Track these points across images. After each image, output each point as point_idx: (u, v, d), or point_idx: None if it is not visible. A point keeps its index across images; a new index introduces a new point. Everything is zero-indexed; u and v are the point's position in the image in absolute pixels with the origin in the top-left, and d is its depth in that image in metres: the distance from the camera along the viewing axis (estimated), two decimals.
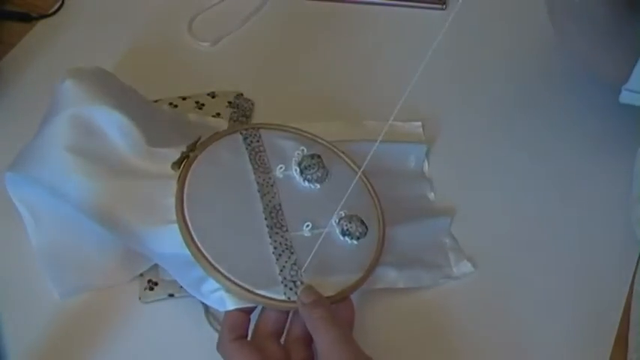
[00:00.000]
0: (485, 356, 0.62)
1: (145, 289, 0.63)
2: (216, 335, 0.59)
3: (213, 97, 0.75)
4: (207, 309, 0.62)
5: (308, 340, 0.56)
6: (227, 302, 0.57)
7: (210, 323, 0.62)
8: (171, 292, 0.63)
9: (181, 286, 0.63)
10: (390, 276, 0.63)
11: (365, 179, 0.66)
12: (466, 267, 0.65)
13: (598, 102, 0.74)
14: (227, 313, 0.57)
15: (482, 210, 0.69)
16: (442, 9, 0.86)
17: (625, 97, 0.64)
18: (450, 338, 0.62)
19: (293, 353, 0.56)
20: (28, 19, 0.82)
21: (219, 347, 0.56)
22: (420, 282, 0.64)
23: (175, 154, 0.62)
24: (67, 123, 0.61)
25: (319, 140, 0.68)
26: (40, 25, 0.82)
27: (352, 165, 0.67)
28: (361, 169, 0.61)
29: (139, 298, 0.63)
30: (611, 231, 0.68)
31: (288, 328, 0.58)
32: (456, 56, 0.80)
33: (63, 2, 0.83)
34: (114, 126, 0.61)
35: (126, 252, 0.64)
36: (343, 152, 0.67)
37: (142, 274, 0.64)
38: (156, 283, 0.63)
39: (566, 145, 0.74)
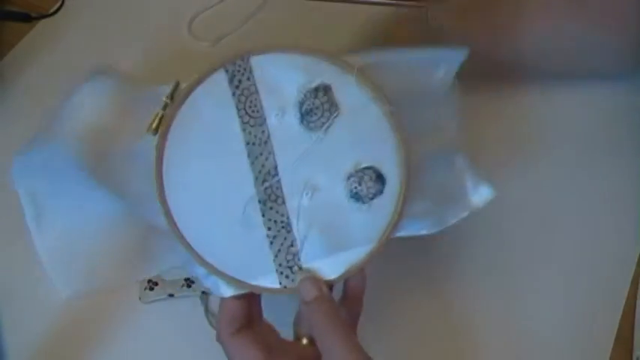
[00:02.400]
0: (485, 356, 0.62)
1: (145, 289, 0.63)
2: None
3: None
4: (207, 309, 0.62)
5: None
6: (222, 288, 0.53)
7: (210, 323, 0.62)
8: (171, 292, 0.63)
9: (182, 286, 0.63)
10: (411, 225, 0.55)
11: (387, 109, 0.54)
12: (486, 192, 0.57)
13: (601, 101, 0.74)
14: (223, 303, 0.53)
15: (484, 209, 0.69)
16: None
17: None
18: (450, 338, 0.62)
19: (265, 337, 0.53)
20: (28, 19, 0.81)
21: (219, 339, 0.54)
22: (444, 223, 0.56)
23: (161, 96, 0.55)
24: (67, 111, 0.59)
25: (331, 60, 0.55)
26: (40, 25, 0.82)
27: (373, 92, 0.54)
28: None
29: (139, 298, 0.63)
30: (611, 231, 0.68)
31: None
32: None
33: (63, 2, 0.83)
34: (96, 91, 0.57)
35: (133, 253, 0.63)
36: (363, 72, 0.55)
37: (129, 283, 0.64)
38: (156, 283, 0.63)
39: (568, 145, 0.74)
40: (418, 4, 0.84)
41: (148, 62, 0.79)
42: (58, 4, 0.83)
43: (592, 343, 0.62)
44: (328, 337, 0.51)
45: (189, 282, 0.63)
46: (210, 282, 0.54)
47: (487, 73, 0.68)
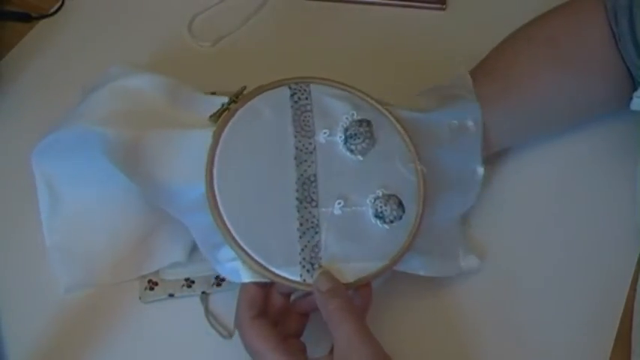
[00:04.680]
0: (485, 356, 0.62)
1: (145, 289, 0.63)
2: (216, 335, 0.59)
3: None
4: (207, 309, 0.62)
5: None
6: (242, 274, 0.56)
7: (210, 323, 0.62)
8: (171, 292, 0.63)
9: (182, 286, 0.63)
10: (413, 262, 0.60)
11: (414, 153, 0.62)
12: (473, 262, 0.64)
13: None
14: (243, 287, 0.56)
15: (486, 211, 0.69)
16: (442, 9, 0.86)
17: (636, 104, 0.64)
18: (452, 335, 0.62)
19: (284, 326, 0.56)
20: (28, 19, 0.81)
21: (237, 324, 0.56)
22: (439, 272, 0.62)
23: (217, 103, 0.60)
24: (108, 93, 0.61)
25: (374, 103, 0.64)
26: (40, 25, 0.82)
27: (404, 135, 0.63)
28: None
29: (139, 298, 0.63)
30: (611, 232, 0.68)
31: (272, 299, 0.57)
32: (458, 56, 0.80)
33: (63, 2, 0.83)
34: (153, 84, 0.61)
35: (135, 249, 0.64)
36: (398, 120, 0.63)
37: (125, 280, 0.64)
38: (156, 283, 0.63)
39: (570, 145, 0.74)
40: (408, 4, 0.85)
41: (148, 62, 0.79)
42: (58, 4, 0.83)
43: (592, 343, 0.62)
44: (343, 325, 0.53)
45: (189, 282, 0.63)
46: (229, 268, 0.56)
47: None
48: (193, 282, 0.63)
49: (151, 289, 0.63)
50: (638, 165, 0.66)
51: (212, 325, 0.61)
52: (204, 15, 0.84)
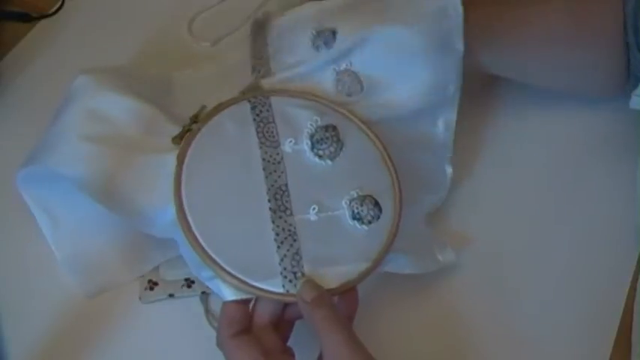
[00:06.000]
0: (484, 356, 0.62)
1: (145, 289, 0.63)
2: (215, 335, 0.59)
3: None
4: (207, 309, 0.62)
5: (275, 326, 0.56)
6: (224, 291, 0.55)
7: (210, 323, 0.62)
8: (171, 292, 0.63)
9: (182, 286, 0.63)
10: (397, 261, 0.59)
11: (384, 152, 0.62)
12: (450, 254, 0.63)
13: (602, 103, 0.74)
14: (224, 306, 0.55)
15: (484, 209, 0.69)
16: None
17: (635, 103, 0.64)
18: (449, 337, 0.62)
19: (263, 341, 0.54)
20: (28, 19, 0.81)
21: (218, 343, 0.55)
22: (422, 268, 0.61)
23: (178, 127, 0.60)
24: (78, 115, 0.61)
25: (337, 109, 0.63)
26: (40, 25, 0.82)
27: (372, 137, 0.63)
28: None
29: (139, 298, 0.63)
30: (611, 232, 0.68)
31: (255, 315, 0.56)
32: None
33: (63, 2, 0.83)
34: (121, 109, 0.60)
35: (130, 251, 0.64)
36: (363, 122, 0.63)
37: (142, 275, 0.64)
38: (156, 283, 0.63)
39: (569, 145, 0.74)
40: None
41: (148, 62, 0.79)
42: (58, 4, 0.83)
43: (592, 343, 0.62)
44: (331, 335, 0.52)
45: (189, 282, 0.63)
46: (214, 286, 0.56)
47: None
48: (193, 282, 0.63)
49: (151, 289, 0.63)
50: (638, 164, 0.66)
51: (212, 325, 0.61)
52: (204, 15, 0.84)
